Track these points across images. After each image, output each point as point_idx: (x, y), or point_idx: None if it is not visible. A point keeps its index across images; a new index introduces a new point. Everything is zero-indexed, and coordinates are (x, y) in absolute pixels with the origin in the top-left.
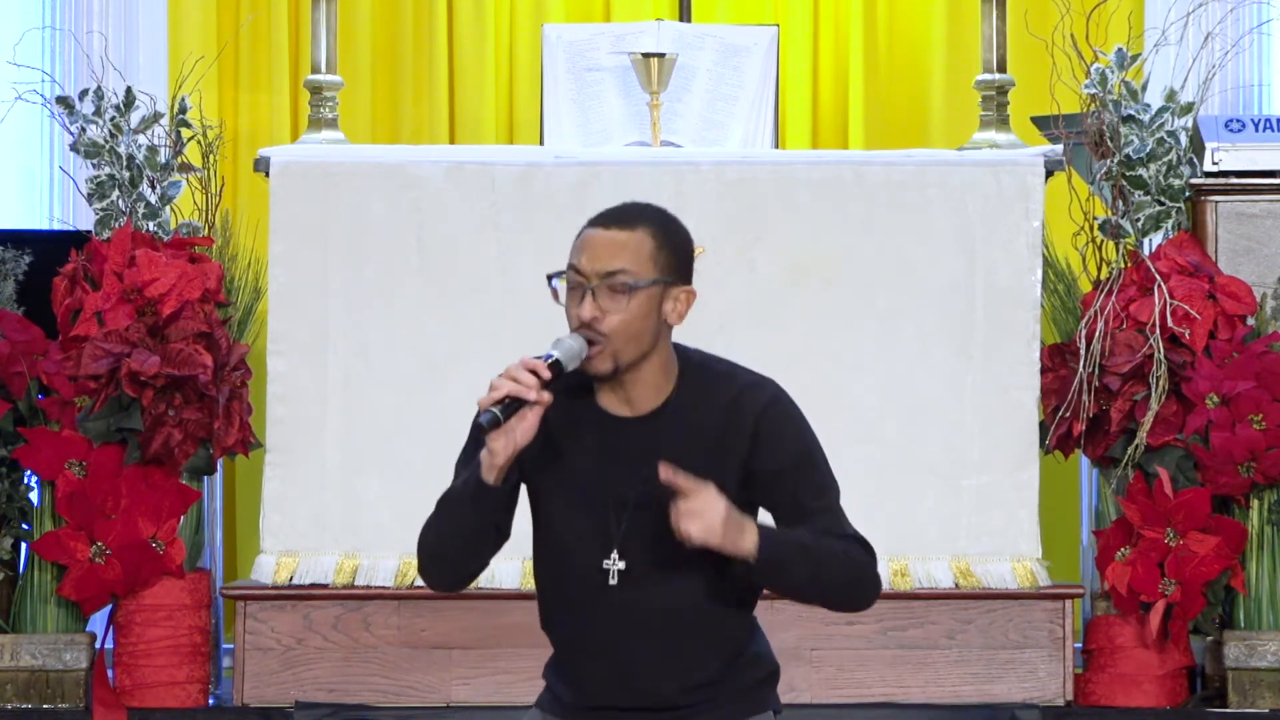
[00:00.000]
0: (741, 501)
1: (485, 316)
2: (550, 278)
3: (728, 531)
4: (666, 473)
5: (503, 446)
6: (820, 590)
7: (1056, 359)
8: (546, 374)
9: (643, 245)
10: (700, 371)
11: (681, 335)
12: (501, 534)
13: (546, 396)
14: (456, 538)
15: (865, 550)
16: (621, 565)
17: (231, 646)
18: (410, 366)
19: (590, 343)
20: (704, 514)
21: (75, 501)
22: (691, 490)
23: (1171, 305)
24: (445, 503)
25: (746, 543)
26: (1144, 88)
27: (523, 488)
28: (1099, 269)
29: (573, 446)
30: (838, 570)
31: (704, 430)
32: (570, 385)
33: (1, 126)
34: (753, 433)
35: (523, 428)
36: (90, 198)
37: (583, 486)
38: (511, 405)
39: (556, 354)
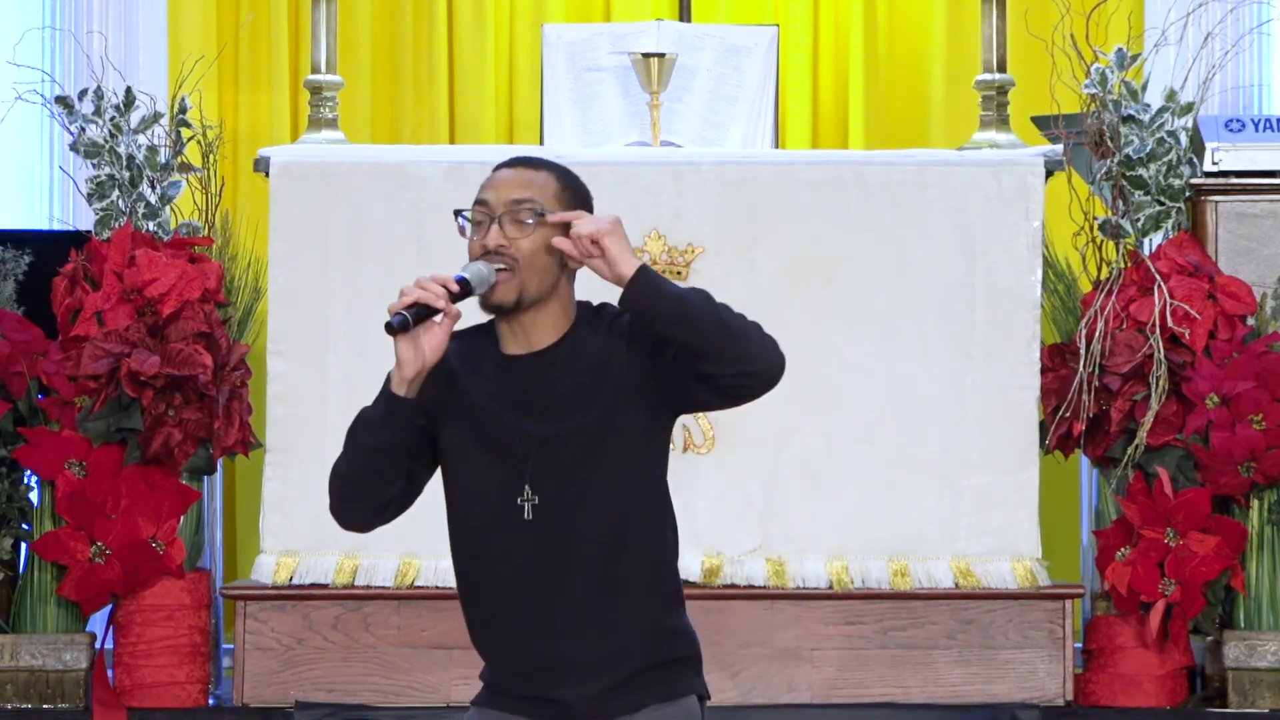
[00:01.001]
0: (647, 413)
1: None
2: (458, 213)
3: (616, 233)
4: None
5: (412, 358)
6: (701, 314)
7: (1056, 359)
8: (454, 288)
9: (548, 184)
10: (595, 313)
11: None
12: (412, 475)
13: (454, 309)
14: (366, 457)
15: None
16: (535, 500)
17: (231, 646)
18: None
19: (498, 270)
20: (596, 218)
21: (75, 501)
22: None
23: (1171, 305)
24: (355, 425)
25: (632, 259)
26: (1144, 88)
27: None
28: (1099, 269)
29: (476, 390)
30: (723, 307)
31: (592, 361)
32: (474, 334)
33: (1, 126)
34: (629, 333)
35: (431, 342)
36: (90, 198)
37: (488, 428)
38: (420, 312)
39: (466, 274)
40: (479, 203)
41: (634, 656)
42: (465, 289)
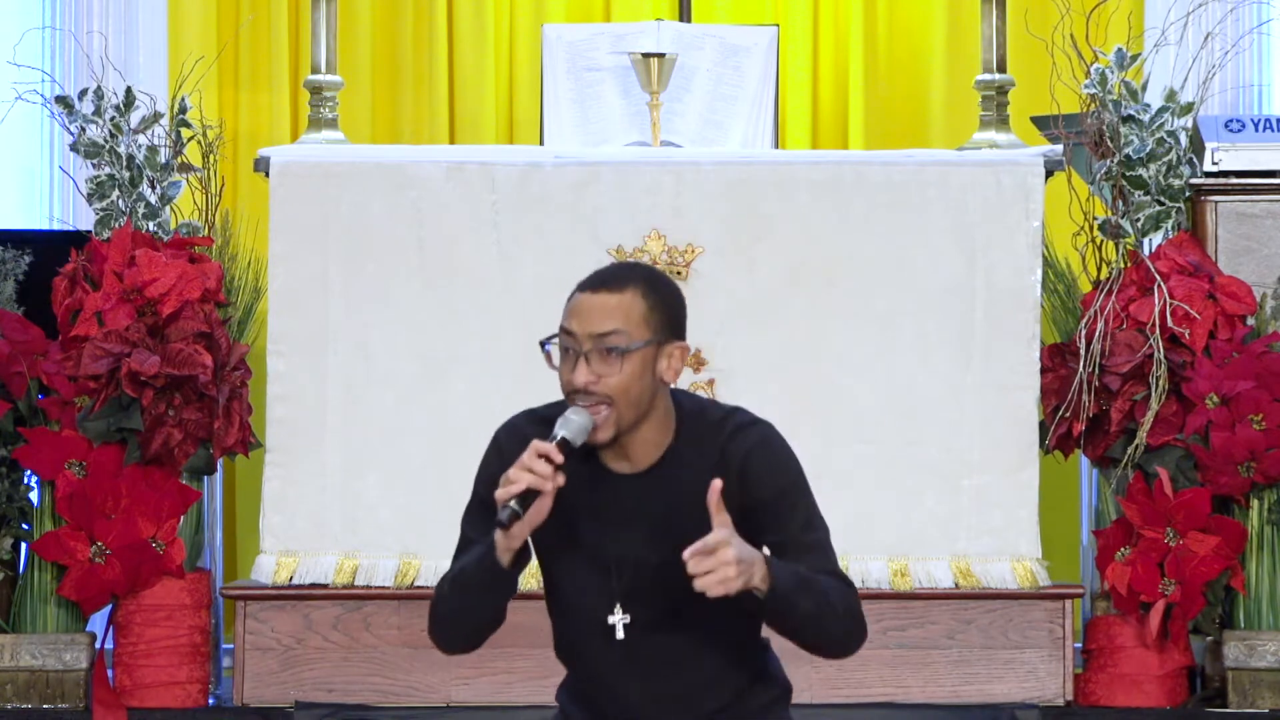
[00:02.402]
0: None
1: (485, 316)
2: (543, 343)
3: (740, 573)
4: (688, 553)
5: (520, 531)
6: (820, 627)
7: (1056, 359)
8: (559, 458)
9: (634, 307)
10: (696, 421)
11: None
12: (503, 610)
13: (561, 479)
14: (469, 615)
15: (853, 590)
16: (626, 619)
17: (231, 646)
18: (410, 366)
19: (595, 410)
20: (718, 569)
21: (75, 501)
22: (702, 548)
23: (1171, 305)
24: (458, 582)
25: (757, 576)
26: (1144, 88)
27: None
28: (1099, 269)
29: (576, 505)
30: (837, 606)
31: (700, 480)
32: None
33: (1, 126)
34: (740, 469)
35: (538, 511)
36: (90, 198)
37: (586, 544)
38: (529, 496)
39: (565, 433)
40: (564, 331)
41: (731, 715)
42: (567, 450)
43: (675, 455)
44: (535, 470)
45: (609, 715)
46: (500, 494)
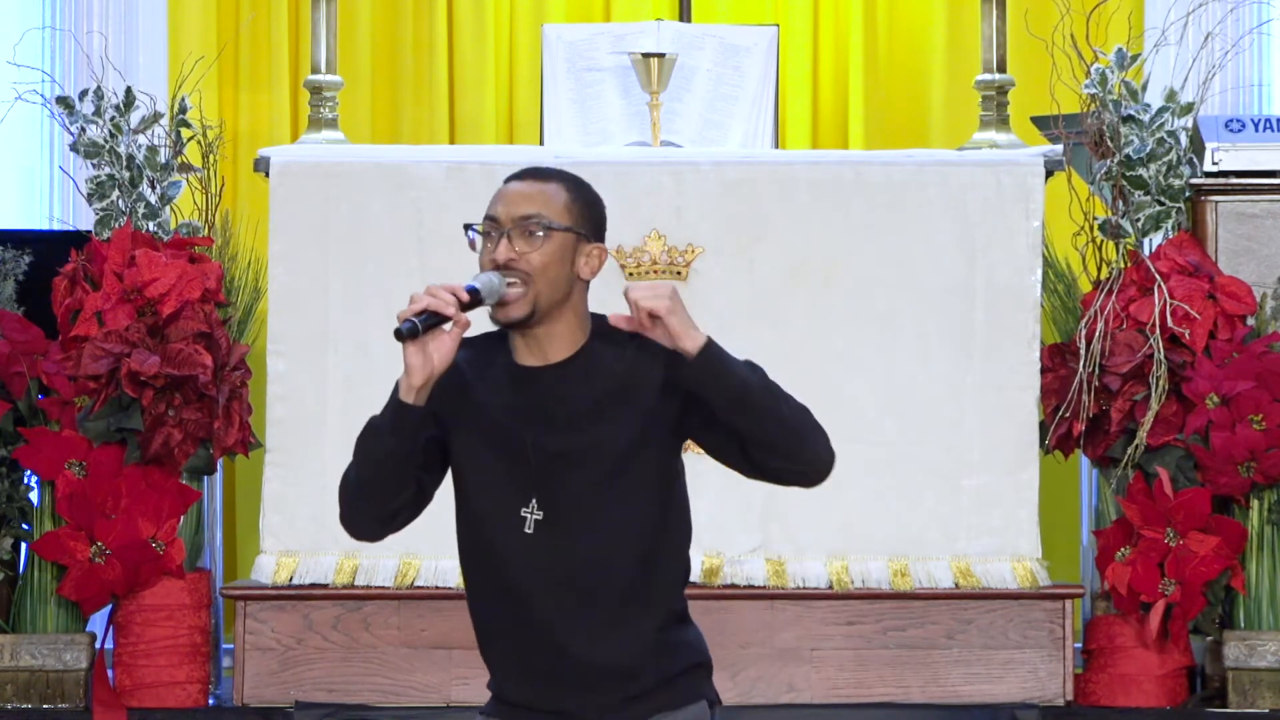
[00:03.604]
0: (671, 437)
1: (485, 316)
2: (467, 227)
3: (676, 309)
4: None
5: (419, 365)
6: (763, 408)
7: (1056, 359)
8: (465, 297)
9: (556, 195)
10: (614, 329)
11: None
12: (421, 485)
13: (464, 318)
14: (375, 466)
15: (809, 412)
16: (539, 515)
17: (231, 646)
18: None
19: (509, 284)
20: (659, 294)
21: (75, 501)
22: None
23: (1171, 305)
24: (364, 434)
25: (695, 332)
26: (1144, 88)
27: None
28: (1099, 269)
29: (488, 399)
30: (783, 397)
31: (613, 375)
32: (484, 342)
33: (1, 126)
34: (666, 362)
35: (440, 351)
36: (90, 198)
37: (498, 437)
38: (429, 319)
39: (476, 284)
40: (488, 218)
41: (644, 671)
42: (475, 298)
43: (589, 351)
44: (437, 295)
45: (524, 674)
46: (400, 312)
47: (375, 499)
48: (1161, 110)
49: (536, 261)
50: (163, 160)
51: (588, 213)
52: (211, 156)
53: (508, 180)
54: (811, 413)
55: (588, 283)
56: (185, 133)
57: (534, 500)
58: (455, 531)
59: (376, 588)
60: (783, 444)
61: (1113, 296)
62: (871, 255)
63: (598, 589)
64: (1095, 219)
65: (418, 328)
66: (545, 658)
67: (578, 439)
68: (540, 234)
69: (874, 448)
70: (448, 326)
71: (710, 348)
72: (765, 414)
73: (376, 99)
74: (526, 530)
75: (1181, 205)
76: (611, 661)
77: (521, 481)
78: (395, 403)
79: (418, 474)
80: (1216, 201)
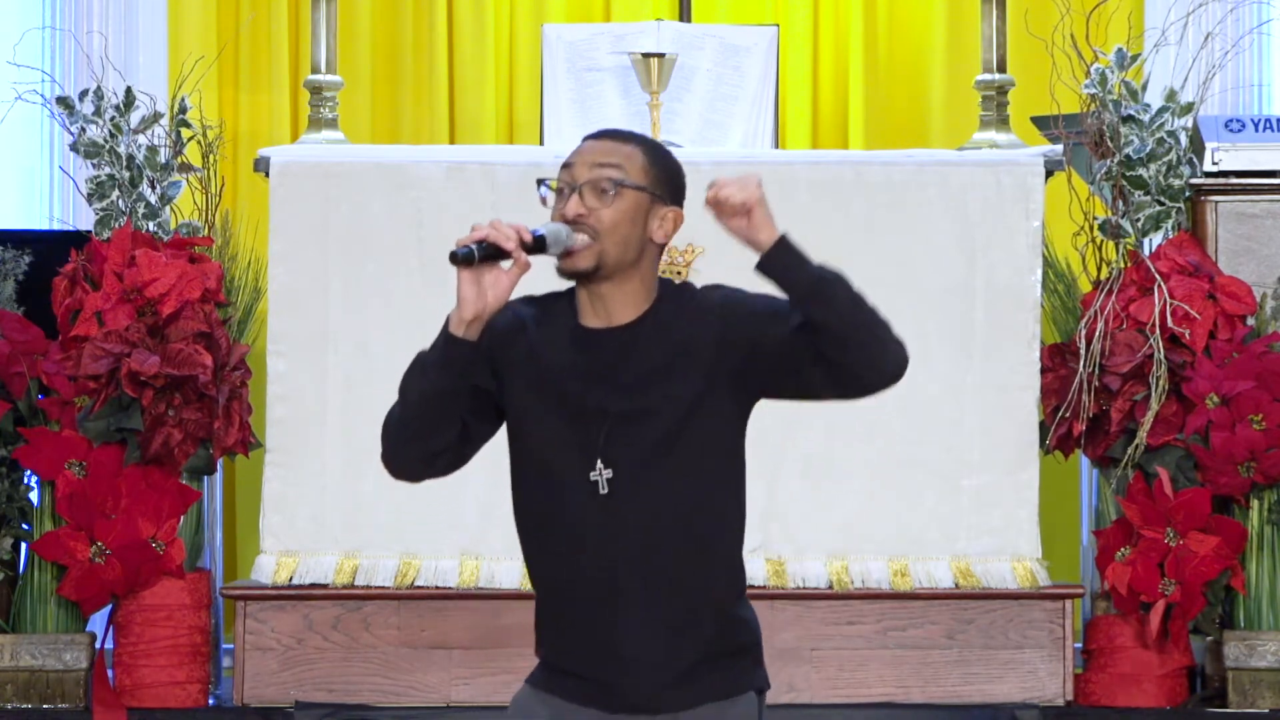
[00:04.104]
0: (734, 396)
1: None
2: (540, 182)
3: (763, 199)
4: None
5: (474, 298)
6: (841, 296)
7: (1056, 359)
8: (528, 237)
9: (634, 155)
10: (678, 292)
11: None
12: (467, 428)
13: (524, 258)
14: (420, 400)
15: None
16: (609, 474)
17: (231, 646)
18: None
19: (577, 235)
20: (741, 180)
21: (75, 501)
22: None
23: (1171, 305)
24: (411, 368)
25: (773, 226)
26: (1144, 88)
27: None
28: (1099, 269)
29: (551, 359)
30: (861, 298)
31: (678, 340)
32: (550, 300)
33: (1, 126)
34: (720, 316)
35: (495, 288)
36: (90, 198)
37: (563, 399)
38: (487, 250)
39: (543, 231)
40: (563, 168)
41: (698, 646)
42: (540, 244)
43: (654, 316)
44: (500, 229)
45: (578, 642)
46: (459, 239)
47: (419, 436)
48: (1161, 110)
49: (607, 218)
50: (163, 160)
51: (665, 176)
52: (211, 156)
53: (587, 138)
54: (890, 324)
55: (661, 247)
56: (185, 133)
57: (599, 462)
58: (511, 493)
59: (376, 588)
60: (863, 337)
61: (1113, 296)
62: (871, 255)
63: (660, 558)
64: (1095, 219)
65: (474, 254)
66: (600, 627)
67: (642, 401)
68: (613, 191)
69: (874, 448)
70: (506, 265)
71: (786, 239)
72: (843, 301)
73: (376, 99)
74: (601, 492)
75: (1181, 205)
76: (669, 634)
77: (587, 443)
78: (445, 335)
79: (464, 415)
80: (1216, 201)
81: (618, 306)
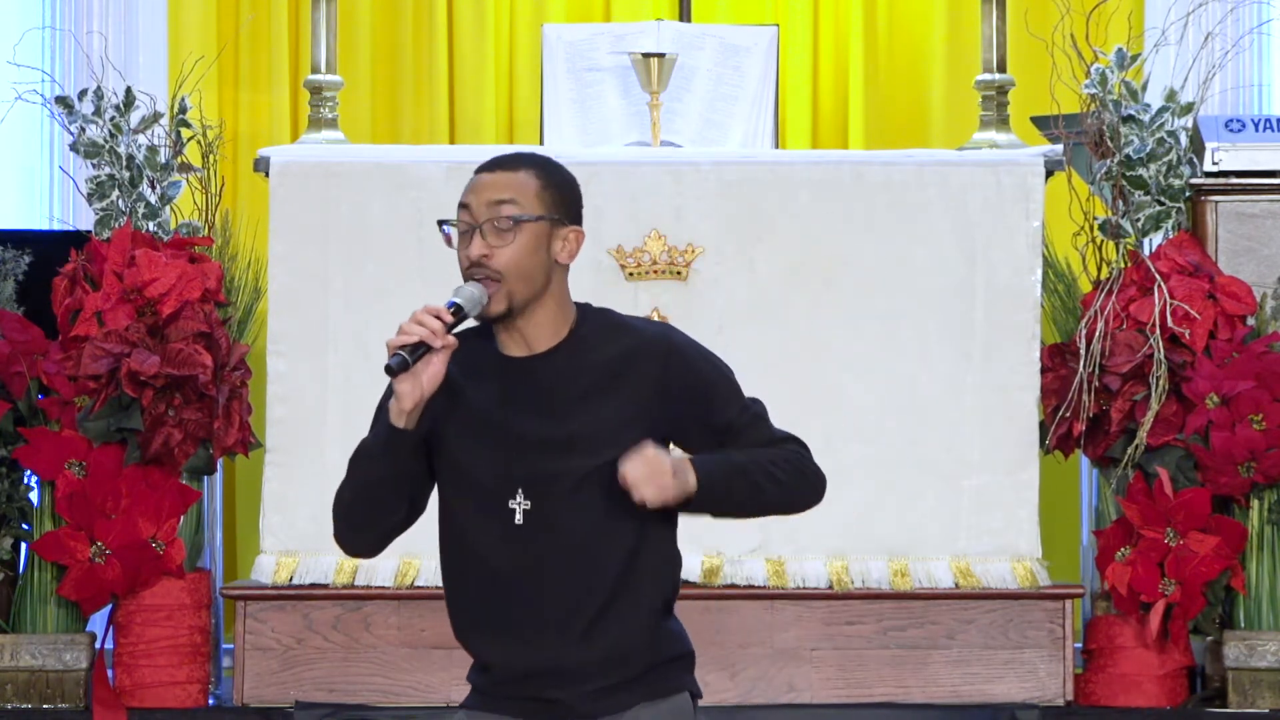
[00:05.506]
0: (654, 433)
1: None
2: (441, 224)
3: (675, 483)
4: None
5: (410, 390)
6: (763, 503)
7: (1056, 359)
8: (449, 318)
9: (527, 184)
10: (598, 316)
11: (683, 330)
12: (414, 500)
13: (451, 341)
14: (369, 488)
15: (799, 446)
16: (527, 505)
17: (231, 646)
18: None
19: (487, 284)
20: (652, 477)
21: (75, 501)
22: (632, 458)
23: (1171, 305)
24: (357, 456)
25: (689, 482)
26: (1144, 88)
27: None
28: (1099, 269)
29: (474, 391)
30: (779, 475)
31: (602, 364)
32: (470, 332)
33: (1, 126)
34: (663, 361)
35: (429, 374)
36: (90, 198)
37: (485, 428)
38: (418, 349)
39: (458, 300)
40: (461, 208)
41: (629, 661)
42: (459, 314)
43: (574, 341)
44: (425, 324)
45: (508, 663)
46: (390, 342)
47: (369, 520)
48: (1161, 110)
49: (509, 257)
50: (163, 160)
51: (560, 196)
52: (211, 156)
53: (478, 170)
54: (806, 455)
55: (567, 267)
56: (185, 133)
57: (520, 491)
58: (438, 520)
59: (376, 588)
60: (782, 510)
61: (1113, 296)
62: (871, 255)
63: (586, 578)
64: (1095, 219)
65: (407, 361)
66: (530, 647)
67: (564, 428)
68: (511, 228)
69: (874, 448)
70: (436, 349)
71: (702, 494)
72: (755, 509)
73: (376, 99)
74: (516, 522)
75: (1181, 205)
76: (598, 650)
77: (509, 473)
78: (386, 428)
79: (410, 492)
80: (1216, 201)
81: (534, 334)
